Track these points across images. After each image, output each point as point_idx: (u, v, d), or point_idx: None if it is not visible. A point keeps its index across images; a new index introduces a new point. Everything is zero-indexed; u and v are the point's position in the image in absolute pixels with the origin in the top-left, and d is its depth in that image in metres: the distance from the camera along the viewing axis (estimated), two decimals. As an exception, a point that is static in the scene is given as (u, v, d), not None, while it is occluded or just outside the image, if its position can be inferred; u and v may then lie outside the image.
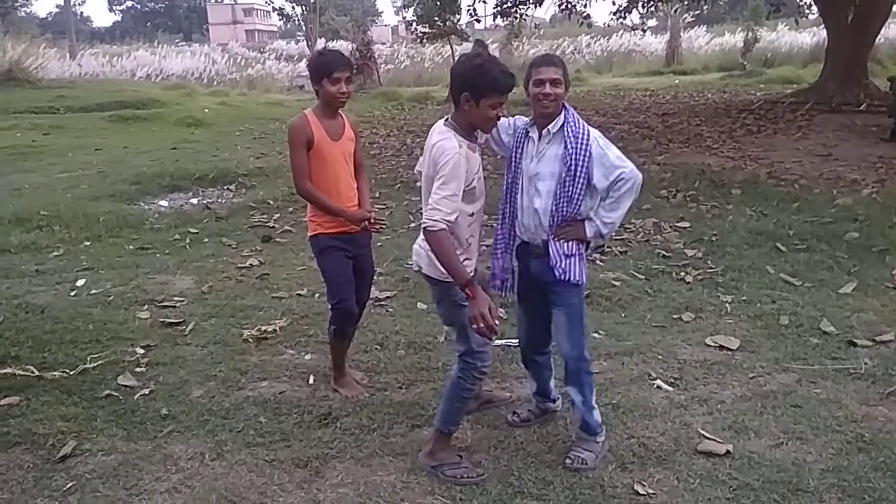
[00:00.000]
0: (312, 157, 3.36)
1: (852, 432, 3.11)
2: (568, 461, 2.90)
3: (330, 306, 3.52)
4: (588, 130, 2.78)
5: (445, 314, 2.93)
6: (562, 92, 2.76)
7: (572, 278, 2.82)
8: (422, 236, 2.80)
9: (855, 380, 3.58)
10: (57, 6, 70.60)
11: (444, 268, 2.66)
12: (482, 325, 2.53)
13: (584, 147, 2.74)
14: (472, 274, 2.81)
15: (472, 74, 2.66)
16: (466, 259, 2.79)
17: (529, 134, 2.88)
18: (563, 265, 2.81)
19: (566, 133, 2.76)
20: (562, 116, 2.80)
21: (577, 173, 2.73)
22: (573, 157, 2.73)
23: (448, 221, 2.59)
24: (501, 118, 2.85)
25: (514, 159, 2.92)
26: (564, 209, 2.78)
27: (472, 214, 2.79)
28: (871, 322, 4.27)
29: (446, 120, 2.78)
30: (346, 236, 3.44)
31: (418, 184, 2.95)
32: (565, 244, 2.82)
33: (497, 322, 2.57)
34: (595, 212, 2.82)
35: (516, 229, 2.95)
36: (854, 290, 4.77)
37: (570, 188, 2.75)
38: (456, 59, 3.03)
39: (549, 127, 2.80)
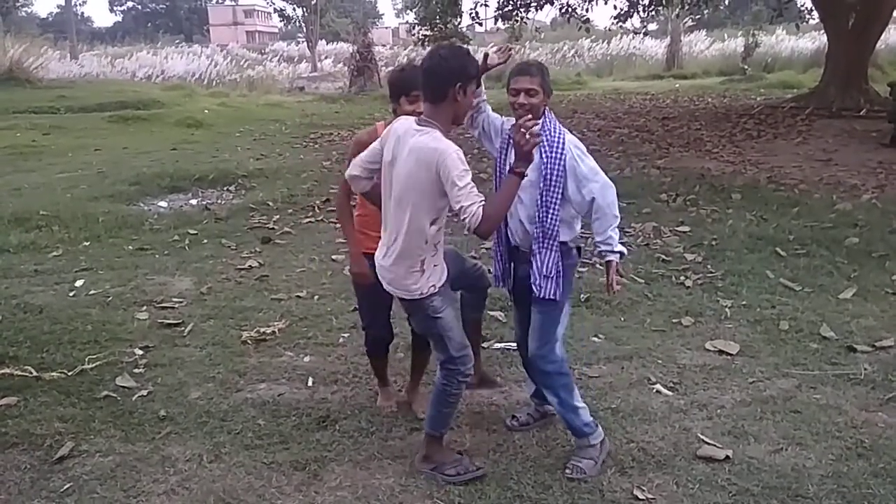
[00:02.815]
0: None
1: (852, 438, 3.10)
2: (567, 471, 2.89)
3: (363, 329, 3.48)
4: (563, 139, 2.77)
5: (420, 326, 2.93)
6: (537, 101, 2.76)
7: (548, 296, 2.84)
8: (389, 258, 2.75)
9: (855, 385, 3.58)
10: (58, 6, 70.63)
11: (507, 207, 2.64)
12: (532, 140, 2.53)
13: (558, 156, 2.74)
14: (445, 278, 2.79)
15: (465, 62, 2.65)
16: (436, 265, 2.75)
17: (511, 140, 2.88)
18: (539, 283, 2.83)
19: (541, 143, 2.75)
20: (540, 123, 2.77)
21: (553, 182, 2.74)
22: (548, 166, 2.74)
23: (482, 204, 2.50)
24: (496, 116, 2.95)
25: (498, 164, 2.93)
26: (545, 220, 2.79)
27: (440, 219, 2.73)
28: (871, 327, 4.27)
29: (420, 121, 2.67)
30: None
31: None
32: (546, 265, 2.82)
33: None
34: (596, 244, 2.87)
35: (508, 234, 2.97)
36: (854, 295, 4.77)
37: (547, 197, 2.76)
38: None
39: None
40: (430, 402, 2.95)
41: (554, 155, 2.74)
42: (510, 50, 2.88)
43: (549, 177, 2.74)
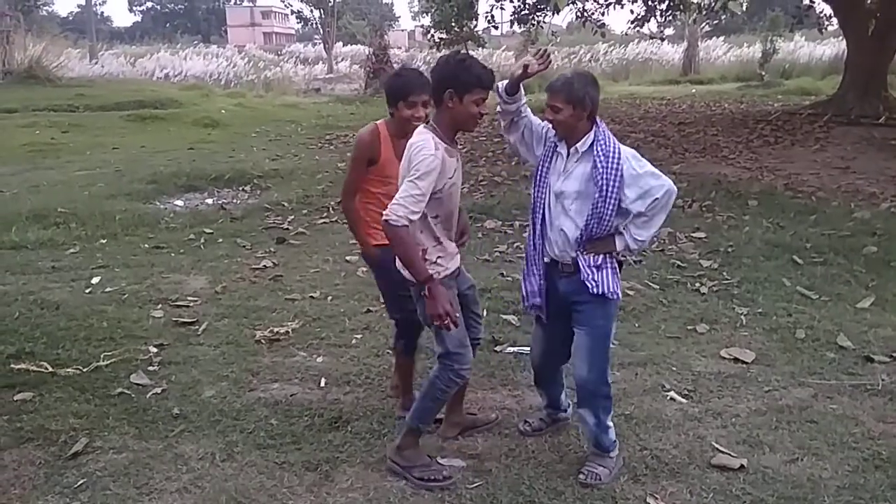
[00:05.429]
0: (373, 173, 3.19)
1: (869, 449, 3.07)
2: (581, 476, 2.87)
3: (394, 322, 3.39)
4: (619, 150, 2.71)
5: (423, 314, 2.91)
6: (563, 118, 2.71)
7: (607, 290, 2.75)
8: None
9: (872, 396, 3.54)
10: (78, 6, 71.49)
11: (403, 263, 2.72)
12: (445, 322, 2.66)
13: (615, 167, 2.67)
14: (451, 272, 2.83)
15: (457, 70, 2.68)
16: (440, 256, 2.79)
17: (558, 149, 2.83)
18: (594, 277, 2.75)
19: (596, 151, 2.70)
20: (591, 134, 2.74)
21: (609, 194, 2.67)
22: (604, 177, 2.67)
23: (410, 219, 2.60)
24: (538, 122, 2.90)
25: (540, 173, 2.86)
26: (594, 229, 2.73)
27: (437, 217, 2.77)
28: (889, 338, 4.21)
29: (427, 122, 2.80)
30: None
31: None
32: (593, 256, 2.77)
33: (458, 315, 2.72)
34: (626, 227, 2.77)
35: (545, 247, 2.88)
36: (872, 304, 4.72)
37: (602, 209, 2.69)
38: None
39: (578, 145, 2.75)
40: (420, 393, 2.98)
41: (610, 165, 2.67)
42: (549, 56, 2.84)
43: (605, 188, 2.67)
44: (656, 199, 2.70)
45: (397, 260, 2.84)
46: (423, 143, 2.67)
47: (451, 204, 2.82)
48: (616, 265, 2.83)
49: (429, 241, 2.78)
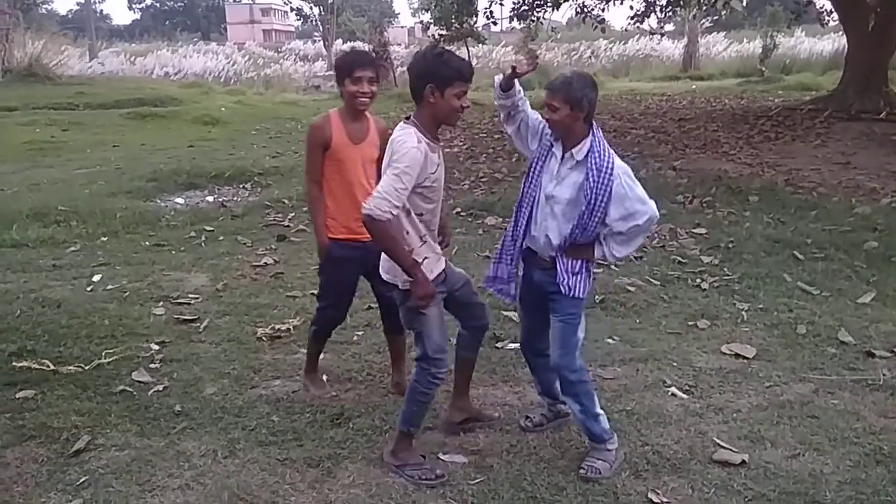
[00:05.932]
0: (329, 160, 3.27)
1: (870, 444, 3.07)
2: (582, 471, 2.88)
3: (317, 308, 3.58)
4: (612, 164, 2.72)
5: (405, 318, 2.93)
6: (558, 118, 2.72)
7: (578, 294, 2.84)
8: None
9: (873, 391, 3.54)
10: (77, 3, 71.42)
11: (390, 255, 2.72)
12: (429, 303, 2.73)
13: (606, 183, 2.70)
14: (436, 275, 2.83)
15: (436, 64, 2.67)
16: (426, 258, 2.79)
17: (553, 149, 2.84)
18: (569, 282, 2.82)
19: (590, 164, 2.71)
20: (588, 142, 2.75)
21: (596, 209, 2.72)
22: (593, 191, 2.70)
23: (393, 213, 2.59)
24: (535, 118, 2.91)
25: (532, 171, 2.89)
26: (578, 236, 2.78)
27: (421, 214, 2.77)
28: (890, 333, 4.21)
29: (407, 118, 2.77)
30: (356, 243, 3.23)
31: None
32: (572, 262, 2.82)
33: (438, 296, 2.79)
34: (606, 240, 2.82)
35: (527, 239, 2.93)
36: (873, 300, 4.72)
37: (587, 220, 2.74)
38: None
39: (574, 151, 2.76)
40: (404, 397, 2.99)
41: (601, 181, 2.69)
42: (536, 57, 2.87)
43: (593, 201, 2.70)
44: (637, 224, 2.75)
45: (395, 271, 2.80)
46: (406, 136, 2.66)
47: (434, 201, 2.82)
48: (590, 269, 2.89)
49: (415, 240, 2.77)
